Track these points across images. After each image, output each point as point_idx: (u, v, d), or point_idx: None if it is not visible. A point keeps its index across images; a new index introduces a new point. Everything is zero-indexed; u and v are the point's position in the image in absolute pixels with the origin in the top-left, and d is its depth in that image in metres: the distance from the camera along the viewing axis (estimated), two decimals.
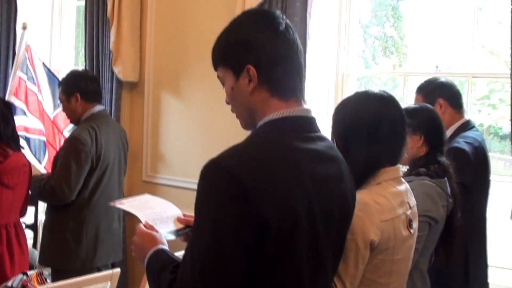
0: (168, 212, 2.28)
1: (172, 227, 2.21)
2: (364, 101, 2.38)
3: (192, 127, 5.42)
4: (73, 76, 4.43)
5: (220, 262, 1.59)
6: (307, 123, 1.86)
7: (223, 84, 1.91)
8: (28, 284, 3.22)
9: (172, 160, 5.59)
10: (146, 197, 2.44)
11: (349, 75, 5.01)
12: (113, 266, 4.57)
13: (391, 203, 2.27)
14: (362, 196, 2.18)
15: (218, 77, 1.92)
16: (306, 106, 1.87)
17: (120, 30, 5.48)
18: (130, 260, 5.71)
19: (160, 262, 1.87)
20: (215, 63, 1.91)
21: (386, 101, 2.37)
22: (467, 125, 3.73)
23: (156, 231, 2.06)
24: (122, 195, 4.63)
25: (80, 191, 4.17)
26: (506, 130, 7.75)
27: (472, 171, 3.45)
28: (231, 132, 4.98)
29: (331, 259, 1.92)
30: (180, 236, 2.21)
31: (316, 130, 1.88)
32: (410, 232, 2.36)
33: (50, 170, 5.55)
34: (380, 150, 2.30)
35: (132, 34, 5.55)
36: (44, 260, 4.35)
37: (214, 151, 4.92)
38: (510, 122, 3.88)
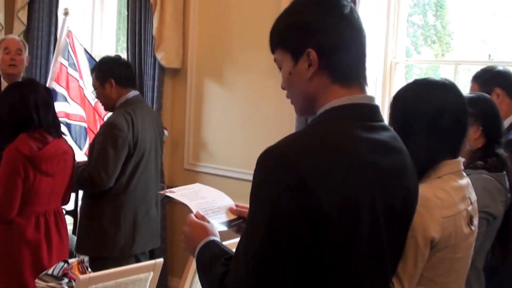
0: (220, 202, 2.18)
1: (224, 217, 2.11)
2: (424, 89, 2.22)
3: (234, 115, 5.34)
4: (107, 62, 4.37)
5: (275, 258, 1.49)
6: (370, 111, 1.72)
7: (280, 68, 1.78)
8: (69, 273, 3.17)
9: (214, 149, 5.52)
10: (197, 186, 2.35)
11: (398, 63, 4.84)
12: (151, 253, 4.55)
13: (453, 198, 2.13)
14: (422, 190, 2.01)
15: (275, 60, 1.79)
16: (369, 94, 1.74)
17: (163, 16, 5.43)
18: (170, 248, 5.66)
19: (212, 254, 1.78)
20: (272, 46, 1.79)
21: (448, 89, 2.21)
22: None
23: (208, 221, 1.97)
24: (158, 181, 4.58)
25: (118, 177, 4.10)
26: None
27: None
28: (274, 121, 4.92)
29: (391, 257, 1.79)
30: (232, 227, 2.11)
31: (380, 119, 1.74)
32: (471, 229, 2.22)
33: None
34: (441, 142, 2.15)
35: (176, 20, 5.51)
36: (81, 248, 4.30)
37: (257, 139, 4.88)
38: None
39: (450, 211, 2.10)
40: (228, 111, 5.38)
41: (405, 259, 2.00)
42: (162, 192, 2.33)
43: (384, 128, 1.73)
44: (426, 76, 2.33)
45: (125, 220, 4.16)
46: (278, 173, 1.50)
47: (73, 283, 3.04)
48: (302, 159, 1.49)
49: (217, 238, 1.88)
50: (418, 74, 5.43)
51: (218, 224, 2.02)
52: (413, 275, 2.08)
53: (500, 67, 3.63)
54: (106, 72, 4.25)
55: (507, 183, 2.82)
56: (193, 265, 3.44)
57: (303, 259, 1.50)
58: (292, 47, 1.70)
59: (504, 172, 2.81)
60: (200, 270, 1.79)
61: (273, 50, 1.79)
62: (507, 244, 2.87)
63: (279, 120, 4.93)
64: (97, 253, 4.19)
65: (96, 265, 3.87)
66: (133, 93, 4.33)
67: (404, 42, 5.00)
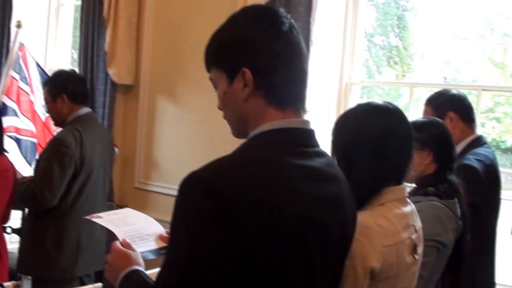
0: (149, 229, 2.10)
1: (153, 245, 2.03)
2: (368, 114, 2.15)
3: (187, 133, 5.26)
4: (60, 76, 4.23)
5: None
6: (304, 136, 1.64)
7: (215, 87, 1.70)
8: None
9: (166, 167, 5.43)
10: (127, 212, 2.26)
11: (353, 84, 4.79)
12: (97, 275, 4.40)
13: (395, 226, 2.05)
14: (363, 218, 1.96)
15: (211, 79, 1.71)
16: (304, 117, 1.66)
17: (116, 31, 5.37)
18: None
19: (133, 285, 1.71)
20: (207, 64, 1.71)
21: (392, 114, 2.15)
22: (479, 141, 3.51)
23: (133, 250, 1.88)
24: (105, 202, 4.46)
25: (63, 196, 3.96)
26: (509, 143, 7.69)
27: (483, 191, 3.22)
28: (228, 140, 4.74)
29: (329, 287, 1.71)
30: (161, 256, 2.00)
31: (314, 144, 1.66)
32: (415, 258, 2.15)
33: None
34: (385, 168, 2.09)
35: (129, 35, 5.45)
36: (23, 268, 4.14)
37: (209, 158, 4.75)
38: None
39: (391, 239, 2.03)
40: (181, 129, 5.30)
41: None
42: (88, 217, 2.19)
43: (318, 154, 1.66)
44: (381, 99, 2.24)
45: (68, 241, 4.02)
46: (200, 202, 1.39)
47: None
48: (228, 188, 1.39)
49: (141, 268, 1.79)
50: (380, 94, 5.42)
51: (146, 252, 1.95)
52: None
53: (454, 91, 3.60)
54: (59, 87, 4.13)
55: (458, 210, 2.75)
56: None
57: None
58: (227, 66, 1.63)
59: (456, 199, 2.74)
60: None
61: (208, 69, 1.71)
62: (457, 273, 2.81)
63: (232, 139, 4.79)
64: (39, 274, 4.05)
65: (39, 287, 3.71)
66: (85, 110, 4.21)
67: (360, 62, 4.94)
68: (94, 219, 2.14)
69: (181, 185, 1.44)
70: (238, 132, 1.72)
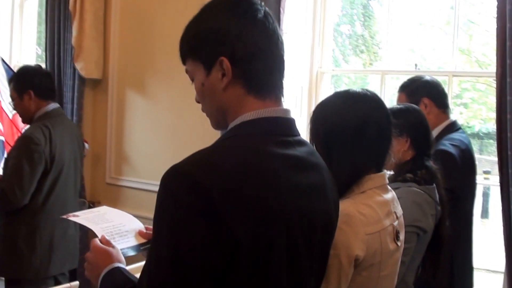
0: (128, 226, 2.06)
1: (133, 241, 2.00)
2: (346, 101, 2.14)
3: (158, 127, 5.21)
4: (26, 72, 4.15)
5: (183, 287, 1.36)
6: (285, 125, 1.62)
7: (192, 79, 1.67)
8: None
9: (137, 162, 5.37)
10: (103, 209, 2.21)
11: (324, 73, 4.77)
12: (72, 273, 4.37)
13: (377, 213, 2.05)
14: (345, 206, 1.95)
15: (187, 71, 1.68)
16: (285, 106, 1.64)
17: (83, 25, 5.29)
18: None
19: (115, 283, 1.67)
20: (183, 56, 1.67)
21: (370, 101, 2.15)
22: (453, 127, 3.54)
23: (113, 246, 1.84)
24: (77, 199, 4.40)
25: (33, 195, 3.89)
26: (477, 129, 7.78)
27: (460, 176, 3.24)
28: (199, 133, 4.82)
29: (313, 279, 1.69)
30: (142, 251, 1.98)
31: (295, 133, 1.64)
32: (397, 245, 2.15)
33: None
34: (365, 156, 2.08)
35: (96, 29, 5.36)
36: None
37: (181, 152, 4.68)
38: (496, 122, 3.69)
39: (374, 227, 2.03)
40: (151, 122, 5.25)
41: (328, 279, 1.91)
42: (64, 216, 2.13)
43: (300, 143, 1.64)
44: (349, 88, 2.22)
45: (41, 240, 3.96)
46: (184, 196, 1.36)
47: None
48: (212, 180, 1.36)
49: (123, 265, 1.76)
50: (346, 83, 5.43)
51: (126, 249, 1.92)
52: None
53: (427, 77, 3.62)
54: (25, 83, 4.06)
55: (437, 196, 2.76)
56: None
57: None
58: (204, 57, 1.59)
59: (434, 185, 2.75)
60: None
61: (183, 61, 1.68)
62: (438, 258, 2.82)
63: (204, 131, 4.78)
64: (11, 274, 3.99)
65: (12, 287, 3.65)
66: (53, 105, 4.14)
67: (330, 51, 4.94)
68: (71, 218, 2.09)
69: (163, 179, 1.41)
70: (218, 124, 1.68)
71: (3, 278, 4.10)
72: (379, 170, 2.14)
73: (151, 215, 2.09)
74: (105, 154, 5.53)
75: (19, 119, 5.24)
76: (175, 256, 1.34)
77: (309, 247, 1.59)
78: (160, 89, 5.15)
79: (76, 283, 3.08)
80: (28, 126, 4.27)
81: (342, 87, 5.02)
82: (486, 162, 7.76)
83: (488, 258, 5.00)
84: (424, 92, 3.51)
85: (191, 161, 1.43)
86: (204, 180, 1.35)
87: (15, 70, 5.58)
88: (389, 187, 2.19)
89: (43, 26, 5.83)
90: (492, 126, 7.66)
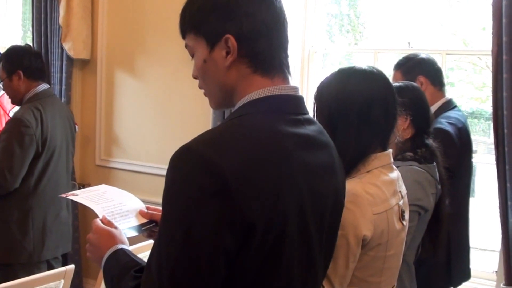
0: (129, 205, 2.01)
1: (134, 221, 1.95)
2: (352, 79, 2.11)
3: (148, 108, 5.18)
4: (15, 52, 4.10)
5: (194, 272, 1.33)
6: (294, 103, 1.58)
7: (192, 55, 1.62)
8: None
9: (127, 143, 5.34)
10: (103, 188, 2.15)
11: (315, 52, 4.75)
12: (64, 257, 4.38)
13: (384, 193, 2.05)
14: (352, 186, 1.95)
15: (187, 46, 1.63)
16: (292, 84, 1.60)
17: (70, 4, 5.20)
18: (84, 249, 5.43)
19: (120, 265, 1.62)
20: (183, 29, 1.62)
21: (376, 79, 2.13)
22: (449, 105, 3.53)
23: (115, 227, 1.81)
24: (70, 181, 4.37)
25: (25, 178, 3.86)
26: (463, 108, 7.83)
27: (457, 154, 3.23)
28: (189, 113, 4.82)
29: (322, 259, 1.67)
30: (143, 232, 1.95)
31: (305, 111, 1.61)
32: (403, 224, 2.15)
33: None
34: (371, 134, 2.07)
35: (83, 8, 5.28)
36: None
37: (172, 133, 4.68)
38: (492, 100, 3.70)
39: (381, 207, 2.03)
40: (141, 103, 5.21)
41: (335, 259, 1.92)
42: (63, 195, 2.10)
43: (309, 121, 1.61)
44: (351, 65, 2.20)
45: (34, 224, 3.94)
46: (196, 176, 1.33)
47: None
48: (224, 160, 1.33)
49: (126, 246, 1.73)
50: (332, 63, 5.41)
51: (127, 229, 1.87)
52: (345, 276, 2.00)
53: (423, 55, 3.60)
54: (14, 63, 4.01)
55: (437, 174, 2.74)
56: None
57: (225, 271, 1.36)
58: (208, 32, 1.54)
59: (434, 164, 2.73)
60: (108, 282, 1.63)
61: (183, 35, 1.63)
62: (437, 237, 2.82)
63: (195, 112, 4.81)
64: (3, 259, 3.95)
65: (4, 273, 3.67)
66: (43, 86, 4.10)
67: (322, 30, 4.92)
68: (70, 197, 2.06)
69: (173, 160, 1.38)
70: (218, 103, 1.65)
71: None
72: (384, 148, 2.13)
73: (142, 196, 2.08)
74: (94, 136, 5.49)
75: (6, 100, 5.19)
76: (188, 238, 1.32)
77: (320, 227, 1.59)
78: (149, 68, 5.11)
79: (72, 266, 3.05)
80: (16, 107, 4.22)
81: (328, 67, 5.02)
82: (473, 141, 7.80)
83: (476, 237, 5.02)
84: (420, 70, 3.49)
85: (202, 140, 1.40)
86: (216, 160, 1.32)
87: (1, 51, 5.53)
88: (394, 166, 2.19)
89: (29, 6, 5.74)
90: (477, 105, 7.70)
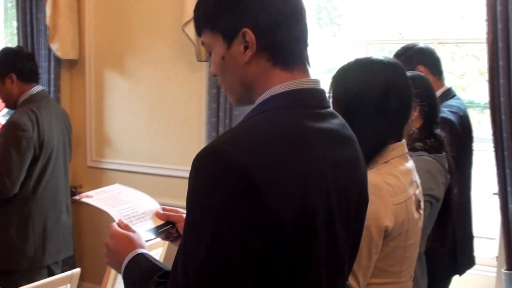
0: (145, 207, 1.99)
1: (151, 224, 1.92)
2: (369, 69, 2.13)
3: (139, 106, 5.18)
4: (7, 55, 4.05)
5: (223, 275, 1.31)
6: (317, 97, 1.55)
7: (209, 52, 1.60)
8: None
9: (119, 143, 5.34)
10: (117, 188, 2.12)
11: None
12: (64, 261, 4.37)
13: (402, 183, 2.09)
14: (371, 177, 1.95)
15: (203, 44, 1.61)
16: (313, 77, 1.58)
17: (57, 3, 5.18)
18: (79, 253, 5.43)
19: (142, 270, 1.60)
20: (198, 26, 1.60)
21: (393, 69, 2.15)
22: (449, 93, 3.56)
23: (133, 231, 1.78)
24: (68, 184, 4.34)
25: (23, 182, 3.84)
26: None
27: (459, 143, 3.25)
28: (181, 112, 4.84)
29: (348, 254, 1.67)
30: (160, 234, 1.92)
31: (327, 105, 1.60)
32: (420, 214, 2.18)
33: None
34: (388, 125, 2.10)
35: (70, 7, 5.26)
36: None
37: (164, 132, 4.70)
38: (488, 87, 3.76)
39: (401, 197, 2.07)
40: (132, 103, 5.21)
41: (359, 252, 1.90)
42: (77, 198, 2.05)
43: (332, 115, 1.59)
44: (368, 56, 2.22)
45: (34, 229, 3.93)
46: (223, 177, 1.31)
47: None
48: (249, 158, 1.31)
49: (146, 250, 1.70)
50: (313, 55, 5.43)
51: (144, 232, 1.84)
52: (368, 267, 2.03)
53: (421, 44, 3.62)
54: (6, 65, 3.97)
55: (447, 164, 2.78)
56: (112, 271, 3.26)
57: (254, 272, 1.34)
58: (224, 28, 1.52)
59: (444, 153, 2.76)
60: None
61: (199, 32, 1.61)
62: (446, 226, 2.84)
63: (187, 111, 4.82)
64: (4, 266, 3.92)
65: (4, 280, 3.64)
66: (37, 88, 4.07)
67: (313, 24, 4.94)
68: (84, 199, 2.00)
69: (196, 161, 1.36)
70: (239, 99, 1.63)
71: None
72: (399, 139, 2.16)
73: None
74: (85, 137, 5.48)
75: None
76: (215, 241, 1.30)
77: (346, 222, 1.57)
78: (139, 67, 5.11)
79: (78, 270, 3.05)
80: (6, 109, 4.18)
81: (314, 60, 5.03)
82: None
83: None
84: (419, 60, 3.51)
85: (226, 140, 1.37)
86: (242, 160, 1.30)
87: None
88: (408, 156, 2.22)
89: (13, 6, 5.69)
90: (459, 94, 7.75)
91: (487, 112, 3.96)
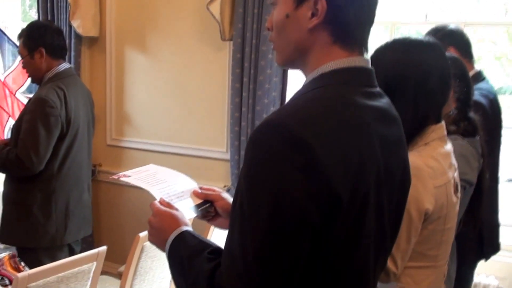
0: (182, 186, 1.98)
1: (190, 202, 1.91)
2: (408, 50, 2.11)
3: (160, 85, 5.18)
4: (37, 28, 4.00)
5: (281, 246, 1.31)
6: (368, 76, 1.56)
7: (273, 3, 1.57)
8: (1, 270, 2.92)
9: (139, 122, 5.36)
10: (152, 168, 2.12)
11: None
12: (83, 239, 4.36)
13: (442, 166, 2.09)
14: (412, 159, 1.92)
15: None
16: (365, 56, 1.57)
17: None
18: (97, 232, 5.46)
19: (190, 247, 1.58)
20: None
21: (433, 50, 2.13)
22: (479, 76, 3.52)
23: (176, 209, 1.77)
24: (91, 163, 4.34)
25: (49, 160, 3.82)
26: None
27: (490, 127, 3.21)
28: (203, 90, 4.82)
29: (390, 234, 1.67)
30: (200, 213, 1.91)
31: (376, 84, 1.60)
32: (457, 197, 2.17)
33: (1, 136, 5.20)
34: (428, 106, 2.08)
35: None
36: (6, 237, 4.03)
37: (185, 110, 4.68)
38: None
39: (441, 180, 2.07)
40: (153, 81, 5.21)
41: (398, 234, 1.90)
42: (115, 177, 2.04)
43: (381, 94, 1.60)
44: (406, 35, 2.19)
45: (57, 207, 3.93)
46: (284, 150, 1.31)
47: (6, 281, 2.80)
48: (311, 134, 1.32)
49: (190, 228, 1.70)
50: None
51: (186, 210, 1.84)
52: (406, 251, 2.03)
53: (452, 26, 3.56)
54: (36, 39, 3.92)
55: (480, 148, 2.75)
56: (137, 250, 3.27)
57: (309, 245, 1.34)
58: None
59: (477, 137, 2.73)
60: (176, 265, 1.61)
61: None
62: (478, 210, 2.82)
63: (209, 91, 4.81)
64: (25, 243, 3.92)
65: (27, 257, 3.62)
66: (65, 65, 4.04)
67: None
68: (122, 178, 1.99)
69: (255, 135, 1.36)
70: (285, 61, 1.60)
71: (10, 247, 4.08)
72: (438, 121, 2.15)
73: None
74: (105, 115, 5.49)
75: (12, 81, 5.16)
76: (274, 213, 1.30)
77: (390, 202, 1.58)
78: (161, 46, 5.10)
79: (104, 248, 3.06)
80: (25, 86, 4.17)
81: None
82: None
83: None
84: (450, 42, 3.42)
85: (286, 114, 1.37)
86: (304, 134, 1.31)
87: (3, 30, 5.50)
88: (447, 139, 2.20)
89: None
90: None
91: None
